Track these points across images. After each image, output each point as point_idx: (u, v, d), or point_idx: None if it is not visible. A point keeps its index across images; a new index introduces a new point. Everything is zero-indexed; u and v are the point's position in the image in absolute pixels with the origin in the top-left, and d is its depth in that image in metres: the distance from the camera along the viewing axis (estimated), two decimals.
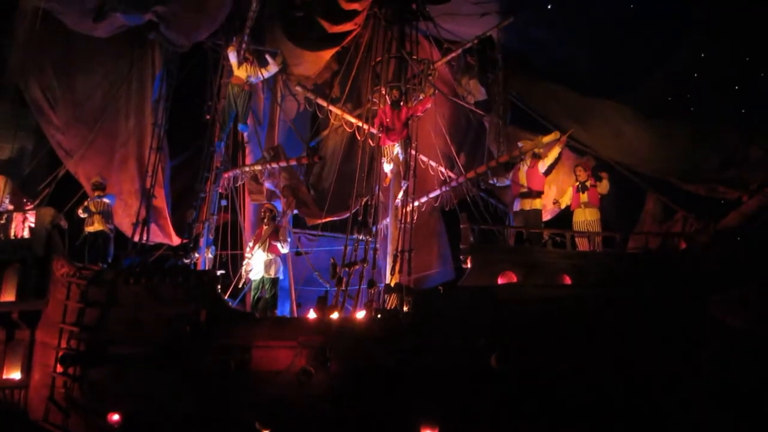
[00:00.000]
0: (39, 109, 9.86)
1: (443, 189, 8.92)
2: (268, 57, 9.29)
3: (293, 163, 8.68)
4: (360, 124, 9.17)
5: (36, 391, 8.38)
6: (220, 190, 9.59)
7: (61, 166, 9.97)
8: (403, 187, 8.40)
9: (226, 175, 9.48)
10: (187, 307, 7.81)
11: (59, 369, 7.98)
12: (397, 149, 8.54)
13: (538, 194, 8.87)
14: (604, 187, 8.90)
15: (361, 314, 7.51)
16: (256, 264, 8.39)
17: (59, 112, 9.92)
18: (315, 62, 9.68)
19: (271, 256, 8.36)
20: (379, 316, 7.40)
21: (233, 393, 7.46)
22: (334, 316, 7.49)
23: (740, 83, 9.01)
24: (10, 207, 9.18)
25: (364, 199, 8.66)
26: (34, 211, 9.02)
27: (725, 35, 9.10)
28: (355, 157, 8.99)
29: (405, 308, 7.54)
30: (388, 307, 7.52)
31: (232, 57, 9.24)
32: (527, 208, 8.83)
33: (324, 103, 9.55)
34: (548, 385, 7.07)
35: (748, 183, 8.40)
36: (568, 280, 8.17)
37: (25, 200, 9.43)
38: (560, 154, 9.24)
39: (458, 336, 7.16)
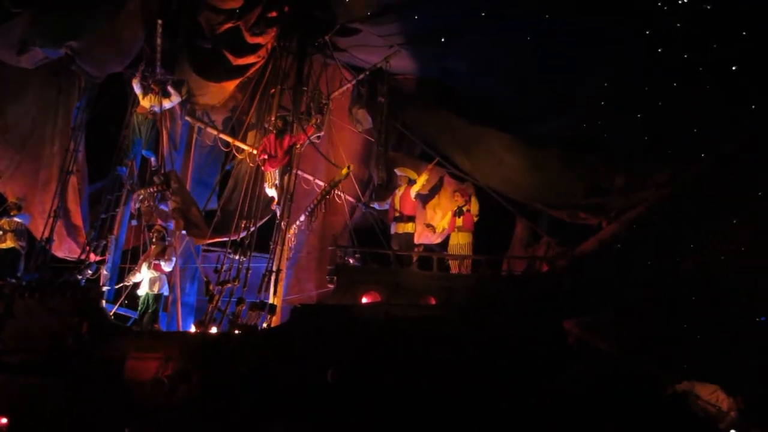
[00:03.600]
0: None
1: (307, 209, 9.43)
2: (169, 88, 10.01)
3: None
4: (251, 150, 9.81)
5: None
6: (132, 211, 10.29)
7: None
8: (276, 210, 9.01)
9: (134, 197, 10.17)
10: (72, 319, 8.50)
11: None
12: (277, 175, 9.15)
13: (410, 218, 9.35)
14: (474, 207, 9.35)
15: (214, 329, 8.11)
16: (144, 281, 9.06)
17: None
18: (219, 93, 10.36)
19: (156, 274, 9.02)
20: (235, 331, 7.98)
21: (108, 401, 8.09)
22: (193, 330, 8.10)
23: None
24: None
25: (252, 222, 9.24)
26: None
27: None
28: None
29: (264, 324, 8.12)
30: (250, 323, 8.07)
31: (137, 88, 9.99)
32: (400, 231, 9.32)
33: (214, 132, 10.25)
34: (389, 402, 7.49)
35: (609, 210, 8.79)
36: (433, 301, 8.63)
37: None
38: (441, 180, 9.73)
39: (309, 350, 7.68)
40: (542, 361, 7.99)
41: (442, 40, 10.33)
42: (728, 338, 7.55)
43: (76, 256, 10.52)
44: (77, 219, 10.56)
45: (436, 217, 9.86)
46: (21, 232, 9.91)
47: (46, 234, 9.60)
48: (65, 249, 10.64)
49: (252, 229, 9.07)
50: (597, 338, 8.35)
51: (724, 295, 7.94)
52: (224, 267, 8.62)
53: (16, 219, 9.89)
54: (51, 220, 9.64)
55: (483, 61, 10.10)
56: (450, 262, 9.24)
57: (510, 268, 9.03)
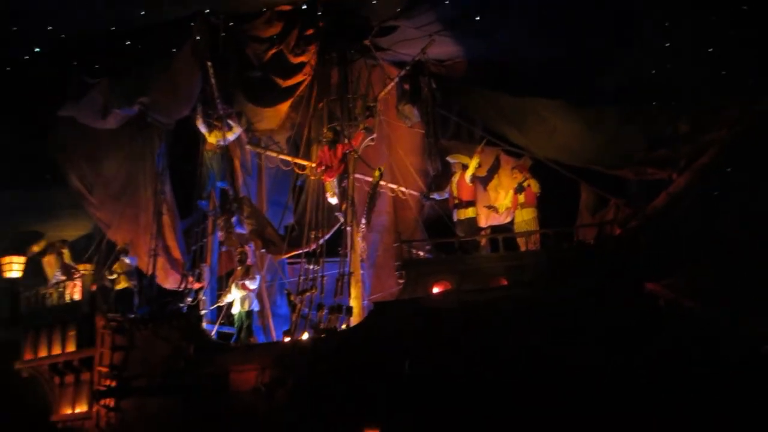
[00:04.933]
0: (79, 195, 12.25)
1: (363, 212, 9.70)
2: (230, 121, 10.81)
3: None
4: (310, 165, 10.36)
5: (93, 421, 10.57)
6: (219, 239, 11.25)
7: (102, 235, 12.27)
8: (340, 216, 9.47)
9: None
10: (180, 343, 9.53)
11: (101, 402, 10.06)
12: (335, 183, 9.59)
13: (469, 203, 9.37)
14: (533, 181, 9.21)
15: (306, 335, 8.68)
16: (235, 300, 9.93)
17: (95, 194, 12.23)
18: (275, 116, 10.99)
19: (244, 293, 9.84)
20: (320, 335, 8.52)
21: (218, 410, 8.99)
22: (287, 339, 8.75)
23: None
24: (63, 277, 11.57)
25: (321, 232, 9.77)
26: (81, 279, 11.31)
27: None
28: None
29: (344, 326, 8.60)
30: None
31: (201, 127, 10.91)
32: (462, 217, 9.39)
33: (273, 154, 10.91)
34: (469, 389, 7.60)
35: (677, 160, 8.29)
36: (504, 282, 8.63)
37: (73, 269, 11.78)
38: (498, 159, 9.68)
39: (384, 346, 8.02)
40: (631, 328, 7.75)
41: (477, 18, 10.30)
42: None
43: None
44: (176, 253, 11.70)
45: (499, 197, 9.81)
46: (131, 273, 11.18)
47: (150, 271, 10.75)
48: (172, 281, 11.80)
49: (322, 238, 9.57)
50: (688, 297, 7.95)
51: None
52: (302, 277, 9.18)
53: (126, 261, 11.17)
54: (152, 259, 10.76)
55: (526, 26, 9.90)
56: (518, 240, 9.16)
57: (581, 237, 8.78)
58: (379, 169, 9.23)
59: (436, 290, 8.58)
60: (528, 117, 9.48)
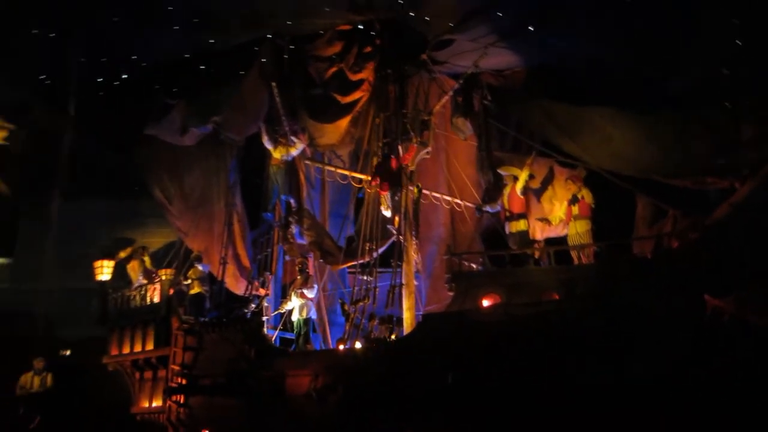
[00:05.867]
0: (161, 205, 13.29)
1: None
2: (294, 137, 11.37)
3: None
4: (364, 178, 10.70)
5: (166, 415, 11.41)
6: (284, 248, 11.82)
7: (181, 243, 13.24)
8: (392, 229, 9.70)
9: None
10: (243, 347, 10.12)
11: (173, 398, 10.86)
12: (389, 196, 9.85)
13: (520, 216, 9.29)
14: (587, 192, 9.00)
15: (358, 344, 8.97)
16: (294, 308, 10.42)
17: (174, 205, 13.22)
18: (335, 131, 11.44)
19: (303, 301, 10.30)
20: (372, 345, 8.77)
21: (275, 412, 9.45)
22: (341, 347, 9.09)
23: None
24: (144, 281, 12.60)
25: (375, 244, 10.07)
26: (160, 283, 12.27)
27: None
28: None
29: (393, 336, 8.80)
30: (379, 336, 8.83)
31: (267, 143, 11.55)
32: (513, 230, 9.32)
33: (330, 168, 11.34)
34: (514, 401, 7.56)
35: (740, 169, 7.84)
36: (555, 296, 8.48)
37: (154, 274, 12.76)
38: (551, 170, 9.55)
39: (431, 357, 8.13)
40: (689, 344, 7.42)
41: (530, 28, 10.18)
42: None
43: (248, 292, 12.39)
44: (245, 261, 12.42)
45: (553, 209, 9.66)
46: (204, 279, 11.99)
47: (220, 277, 11.49)
48: (240, 287, 12.55)
49: (377, 250, 9.85)
50: (754, 313, 7.48)
51: None
52: (356, 288, 9.50)
53: (200, 268, 12.00)
54: (222, 266, 11.51)
55: (583, 30, 9.68)
56: (572, 253, 8.98)
57: (637, 250, 8.48)
58: (417, 186, 9.37)
59: (485, 303, 8.58)
60: (583, 126, 9.29)
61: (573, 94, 9.60)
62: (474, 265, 9.80)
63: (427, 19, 9.97)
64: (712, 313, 7.63)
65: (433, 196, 10.89)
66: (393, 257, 9.84)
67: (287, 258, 11.87)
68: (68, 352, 14.52)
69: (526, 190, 9.50)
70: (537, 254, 9.12)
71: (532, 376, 7.54)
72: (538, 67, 10.44)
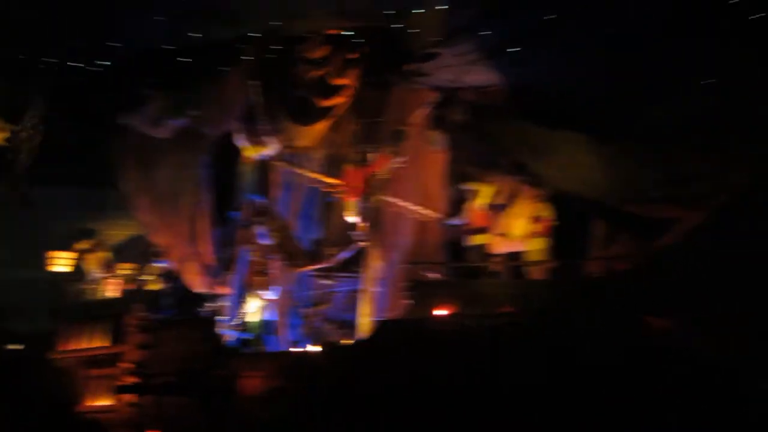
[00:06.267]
0: (127, 197, 13.09)
1: None
2: (268, 137, 11.37)
3: None
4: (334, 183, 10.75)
5: (115, 414, 11.17)
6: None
7: (145, 237, 13.03)
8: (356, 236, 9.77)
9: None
10: (198, 346, 10.02)
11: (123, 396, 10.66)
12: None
13: (481, 230, 9.46)
14: (548, 212, 9.20)
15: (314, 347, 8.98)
16: (253, 309, 10.38)
17: (141, 198, 13.02)
18: (312, 135, 11.44)
19: (262, 302, 10.27)
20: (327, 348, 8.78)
21: (226, 414, 9.36)
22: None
23: None
24: (101, 275, 12.38)
25: (339, 249, 10.11)
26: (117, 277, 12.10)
27: None
28: None
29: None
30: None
31: (241, 141, 11.52)
32: (473, 243, 9.49)
33: (302, 171, 11.37)
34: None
35: (694, 200, 8.14)
36: (508, 309, 8.63)
37: (113, 268, 12.58)
38: (517, 188, 9.74)
39: (383, 362, 8.16)
40: (628, 364, 7.60)
41: (514, 50, 10.42)
42: None
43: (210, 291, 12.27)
44: (208, 259, 12.29)
45: (515, 226, 9.83)
46: (163, 275, 11.86)
47: (180, 275, 11.38)
48: (201, 286, 12.40)
49: (338, 255, 9.88)
50: (695, 338, 7.72)
51: None
52: (314, 291, 9.52)
53: (159, 264, 11.87)
54: (183, 263, 11.40)
55: (567, 56, 9.93)
56: (530, 269, 9.16)
57: (588, 270, 8.71)
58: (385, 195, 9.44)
59: (440, 312, 8.69)
60: (553, 149, 9.51)
61: (548, 117, 9.84)
62: (435, 275, 9.88)
63: (415, 30, 10.14)
64: (653, 333, 7.89)
65: (401, 206, 10.97)
66: (356, 263, 9.89)
67: (250, 258, 11.81)
68: (20, 347, 14.12)
69: (490, 205, 9.64)
70: (495, 268, 9.26)
71: (481, 384, 7.62)
72: (517, 87, 10.67)
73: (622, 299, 7.93)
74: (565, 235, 9.31)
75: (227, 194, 12.48)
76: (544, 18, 9.83)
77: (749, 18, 8.23)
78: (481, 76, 10.36)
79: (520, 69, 10.24)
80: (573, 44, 9.73)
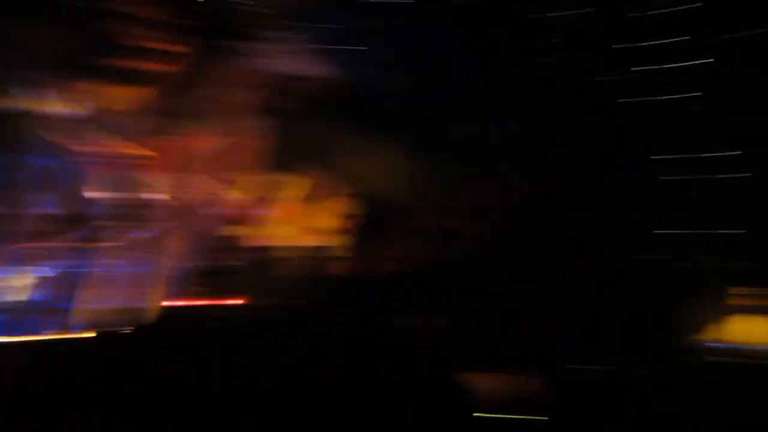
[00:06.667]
0: None
1: None
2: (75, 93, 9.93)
3: None
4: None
5: None
6: None
7: None
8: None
9: None
10: None
11: None
12: None
13: (284, 221, 9.45)
14: (344, 209, 9.50)
15: None
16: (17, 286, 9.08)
17: None
18: (127, 98, 10.15)
19: (29, 279, 9.02)
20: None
21: None
22: None
23: None
24: None
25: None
26: None
27: None
28: None
29: None
30: None
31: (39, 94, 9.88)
32: (275, 235, 9.44)
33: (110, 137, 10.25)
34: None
35: (470, 210, 9.02)
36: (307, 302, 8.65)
37: None
38: (318, 184, 9.91)
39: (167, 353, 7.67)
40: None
41: (342, 47, 10.61)
42: None
43: None
44: None
45: (318, 221, 9.95)
46: None
47: None
48: None
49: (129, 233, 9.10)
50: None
51: None
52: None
53: None
54: None
55: (382, 66, 10.33)
56: (330, 264, 9.35)
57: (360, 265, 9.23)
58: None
59: (232, 301, 8.48)
60: (363, 150, 9.79)
61: (365, 119, 10.15)
62: (232, 263, 9.58)
63: (257, 10, 9.74)
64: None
65: (211, 187, 10.43)
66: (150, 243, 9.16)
67: (21, 228, 10.32)
68: None
69: (294, 199, 9.64)
70: (294, 260, 9.28)
71: (272, 372, 7.56)
72: (345, 85, 10.80)
73: (404, 298, 8.48)
74: (364, 233, 9.65)
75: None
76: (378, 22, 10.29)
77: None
78: (307, 65, 10.39)
79: (351, 68, 10.52)
80: (399, 56, 10.30)
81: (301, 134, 10.44)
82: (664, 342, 7.69)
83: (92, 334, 8.11)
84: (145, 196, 9.43)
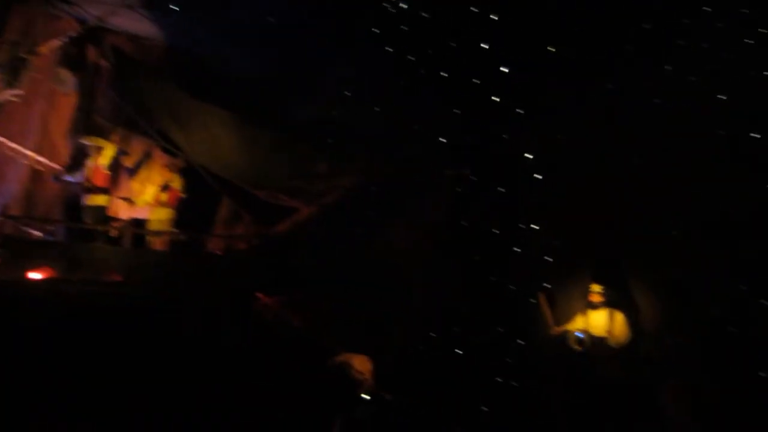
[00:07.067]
0: None
1: None
2: None
3: None
4: None
5: None
6: None
7: None
8: None
9: None
10: None
11: None
12: None
13: (101, 190, 8.85)
14: (179, 183, 9.13)
15: None
16: None
17: None
18: None
19: None
20: None
21: None
22: None
23: None
24: None
25: None
26: None
27: None
28: None
29: None
30: None
31: None
32: (90, 204, 8.79)
33: None
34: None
35: (309, 194, 9.08)
36: (117, 278, 8.22)
37: None
38: (150, 153, 9.34)
39: None
40: (232, 334, 8.03)
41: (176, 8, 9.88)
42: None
43: None
44: None
45: (143, 191, 9.44)
46: None
47: None
48: None
49: None
50: (292, 314, 8.63)
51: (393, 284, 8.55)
52: None
53: None
54: None
55: (229, 34, 9.80)
56: (150, 238, 8.90)
57: (210, 246, 8.96)
58: None
59: (34, 275, 7.76)
60: (195, 120, 9.40)
61: (199, 87, 9.63)
62: (38, 234, 8.77)
63: None
64: (261, 310, 8.61)
65: (9, 147, 9.40)
66: None
67: None
68: None
69: (116, 166, 9.03)
70: (115, 233, 8.74)
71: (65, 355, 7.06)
72: (175, 48, 10.15)
73: (238, 277, 8.38)
74: (192, 208, 9.32)
75: None
76: None
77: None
78: (137, 24, 9.56)
79: (180, 28, 9.85)
80: (242, 21, 9.83)
81: (122, 97, 9.76)
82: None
83: None
84: None
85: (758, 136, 6.70)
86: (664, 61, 7.51)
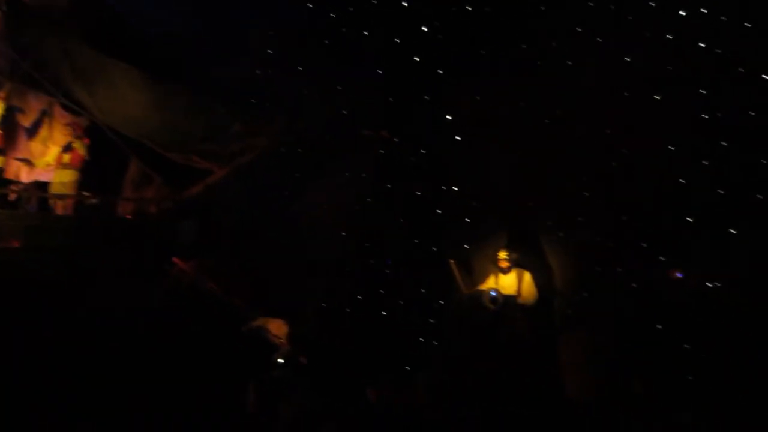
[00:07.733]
0: None
1: None
2: None
3: None
4: None
5: None
6: None
7: None
8: None
9: None
10: None
11: None
12: None
13: None
14: (82, 147, 8.59)
15: None
16: None
17: None
18: None
19: None
20: None
21: None
22: None
23: None
24: None
25: None
26: None
27: None
28: None
29: None
30: None
31: None
32: None
33: None
34: None
35: (222, 156, 8.73)
36: (16, 244, 7.74)
37: None
38: (51, 111, 8.71)
39: None
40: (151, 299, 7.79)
41: None
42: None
43: None
44: None
45: (46, 152, 8.84)
46: None
47: None
48: None
49: None
50: (207, 278, 8.41)
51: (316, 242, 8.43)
52: None
53: None
54: None
55: None
56: (54, 202, 8.37)
57: (122, 210, 8.53)
58: None
59: None
60: (101, 77, 8.81)
61: (108, 42, 8.98)
62: None
63: None
64: (176, 274, 8.35)
65: None
66: None
67: None
68: None
69: (12, 125, 8.37)
70: (12, 196, 8.16)
71: None
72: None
73: (150, 241, 8.05)
74: (98, 170, 8.81)
75: None
76: None
77: None
78: None
79: None
80: None
81: (17, 49, 8.99)
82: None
83: None
84: None
85: (658, 97, 6.84)
86: (576, 24, 7.53)
